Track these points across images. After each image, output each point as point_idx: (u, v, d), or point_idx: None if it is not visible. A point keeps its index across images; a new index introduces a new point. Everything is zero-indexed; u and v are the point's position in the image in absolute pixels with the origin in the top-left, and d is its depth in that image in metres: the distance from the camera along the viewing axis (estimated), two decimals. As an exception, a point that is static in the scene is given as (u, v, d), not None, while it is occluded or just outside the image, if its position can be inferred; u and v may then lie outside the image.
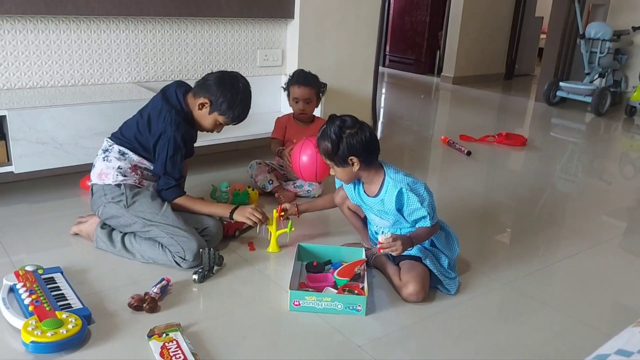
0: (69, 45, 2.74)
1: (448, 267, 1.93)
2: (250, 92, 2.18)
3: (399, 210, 1.89)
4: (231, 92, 2.11)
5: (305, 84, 2.76)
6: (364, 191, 1.98)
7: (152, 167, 2.15)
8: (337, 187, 2.14)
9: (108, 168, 2.09)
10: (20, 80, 2.67)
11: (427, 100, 6.04)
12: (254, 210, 2.12)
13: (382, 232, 1.96)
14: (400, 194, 1.86)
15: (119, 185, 2.06)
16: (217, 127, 2.20)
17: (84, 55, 2.80)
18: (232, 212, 2.13)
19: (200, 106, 2.13)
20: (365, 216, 2.12)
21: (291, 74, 2.84)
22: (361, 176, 1.94)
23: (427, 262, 1.89)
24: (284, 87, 2.84)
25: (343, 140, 1.83)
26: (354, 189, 2.01)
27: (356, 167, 1.87)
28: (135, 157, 2.12)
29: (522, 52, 7.29)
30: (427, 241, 1.96)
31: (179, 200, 2.13)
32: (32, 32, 2.62)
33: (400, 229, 1.96)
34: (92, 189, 2.15)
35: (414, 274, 1.86)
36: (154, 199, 2.07)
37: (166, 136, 2.06)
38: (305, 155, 2.50)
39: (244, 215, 2.12)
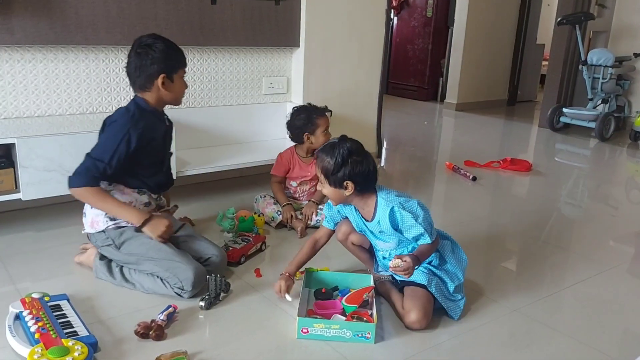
0: (77, 74, 2.78)
1: (455, 290, 1.91)
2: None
3: (396, 229, 1.88)
4: (162, 52, 2.04)
5: (325, 112, 2.83)
6: (362, 216, 1.97)
7: (139, 197, 2.12)
8: (324, 224, 2.10)
9: (97, 215, 2.06)
10: (29, 109, 2.70)
11: (431, 126, 6.07)
12: (165, 233, 1.99)
13: (389, 254, 1.96)
14: (392, 212, 1.85)
15: (103, 232, 2.05)
16: (183, 84, 2.16)
17: (92, 84, 2.83)
18: (143, 223, 1.99)
19: (163, 85, 2.05)
20: (370, 245, 2.10)
21: (299, 114, 2.73)
22: (352, 201, 1.93)
23: (432, 289, 1.87)
24: (301, 126, 2.72)
25: (348, 165, 1.83)
26: (356, 215, 2.00)
27: (349, 192, 1.87)
28: (117, 194, 2.06)
29: (524, 79, 7.34)
30: (435, 261, 1.94)
31: (86, 191, 1.95)
32: (41, 62, 2.66)
33: (406, 248, 1.94)
34: (88, 238, 2.15)
35: (417, 302, 1.84)
36: (140, 232, 2.04)
37: (116, 124, 2.00)
38: None
39: (155, 231, 1.98)
